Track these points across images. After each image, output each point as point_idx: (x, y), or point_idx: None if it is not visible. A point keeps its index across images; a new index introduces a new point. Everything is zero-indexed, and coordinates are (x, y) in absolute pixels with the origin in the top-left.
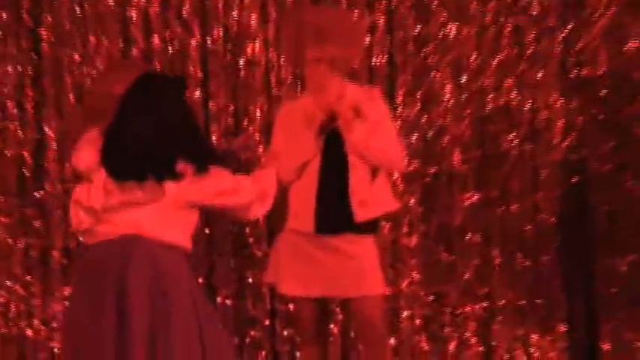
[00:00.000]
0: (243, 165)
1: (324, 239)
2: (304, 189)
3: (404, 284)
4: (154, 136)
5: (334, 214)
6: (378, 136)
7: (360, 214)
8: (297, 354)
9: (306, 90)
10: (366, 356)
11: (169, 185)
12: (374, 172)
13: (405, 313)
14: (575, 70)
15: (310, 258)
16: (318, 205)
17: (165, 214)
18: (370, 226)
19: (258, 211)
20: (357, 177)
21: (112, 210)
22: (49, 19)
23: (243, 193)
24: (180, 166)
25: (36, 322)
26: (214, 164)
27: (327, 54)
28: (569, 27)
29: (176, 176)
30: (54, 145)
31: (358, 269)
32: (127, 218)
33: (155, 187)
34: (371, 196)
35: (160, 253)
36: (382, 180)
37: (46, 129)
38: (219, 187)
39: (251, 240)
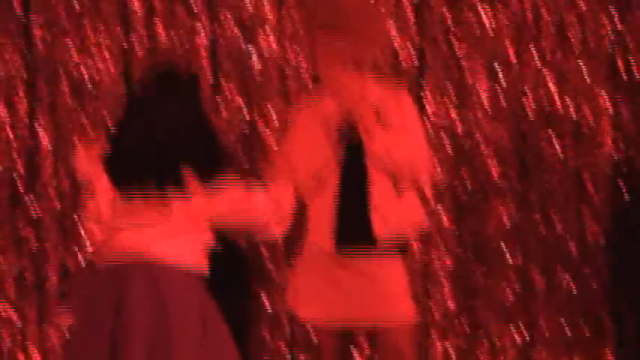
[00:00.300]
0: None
1: (346, 259)
2: (323, 203)
3: (436, 312)
4: (159, 144)
5: (355, 232)
6: (402, 147)
7: (381, 233)
8: None
9: (324, 89)
10: None
11: (177, 205)
12: (400, 184)
13: (438, 344)
14: (627, 69)
15: (331, 281)
16: (338, 222)
17: (172, 236)
18: (397, 247)
19: (275, 230)
20: (380, 191)
21: (117, 230)
22: (44, 16)
23: (258, 210)
24: (188, 182)
25: (33, 352)
26: (226, 179)
27: (340, 47)
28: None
29: (184, 192)
30: (50, 157)
31: (383, 295)
32: (131, 240)
33: (162, 206)
34: (395, 213)
35: (165, 277)
36: (410, 194)
37: (42, 139)
38: (230, 204)
39: (267, 260)
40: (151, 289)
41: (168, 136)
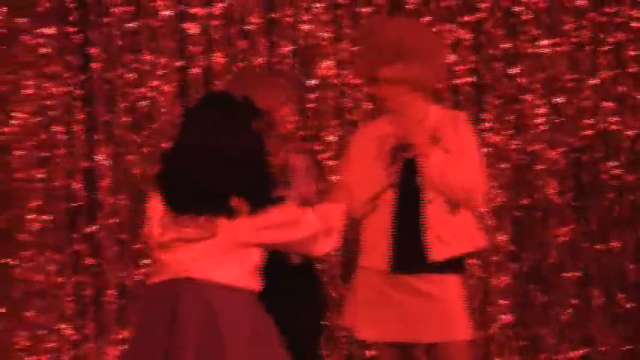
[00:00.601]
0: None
1: (402, 279)
2: (378, 223)
3: (494, 328)
4: (209, 169)
5: (410, 252)
6: (459, 168)
7: (436, 253)
8: None
9: (383, 113)
10: None
11: (223, 222)
12: (455, 205)
13: None
14: None
15: (388, 300)
16: (393, 242)
17: (218, 253)
18: (454, 265)
19: (324, 247)
20: (434, 211)
21: (165, 247)
22: (99, 35)
23: (305, 227)
24: (235, 202)
25: None
26: (273, 202)
27: (404, 73)
28: None
29: (230, 213)
30: (107, 175)
31: (441, 312)
32: (178, 258)
33: (208, 223)
34: (450, 232)
35: (214, 295)
36: (465, 214)
37: (98, 157)
38: (276, 222)
39: (325, 279)
40: (201, 302)
41: (219, 161)
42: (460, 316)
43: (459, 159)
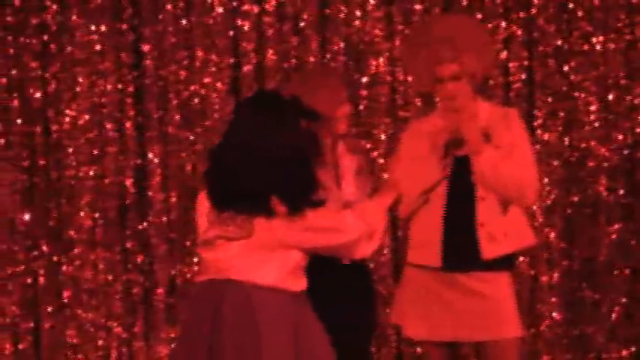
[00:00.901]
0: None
1: (453, 277)
2: (428, 220)
3: (543, 326)
4: (251, 167)
5: (462, 249)
6: (511, 165)
7: (488, 250)
8: None
9: (436, 109)
10: None
11: (260, 222)
12: (506, 202)
13: (545, 358)
14: None
15: (438, 297)
16: (444, 239)
17: (255, 253)
18: (504, 263)
19: (366, 249)
20: (486, 208)
21: (209, 244)
22: (152, 32)
23: (347, 231)
24: (275, 204)
25: None
26: (312, 205)
27: (467, 69)
28: None
29: (269, 213)
30: (158, 172)
31: (492, 310)
32: (219, 257)
33: (246, 223)
34: (502, 230)
35: (253, 294)
36: (516, 211)
37: (150, 154)
38: (313, 226)
39: (375, 277)
40: (241, 301)
41: (261, 160)
42: (511, 314)
43: (510, 155)
